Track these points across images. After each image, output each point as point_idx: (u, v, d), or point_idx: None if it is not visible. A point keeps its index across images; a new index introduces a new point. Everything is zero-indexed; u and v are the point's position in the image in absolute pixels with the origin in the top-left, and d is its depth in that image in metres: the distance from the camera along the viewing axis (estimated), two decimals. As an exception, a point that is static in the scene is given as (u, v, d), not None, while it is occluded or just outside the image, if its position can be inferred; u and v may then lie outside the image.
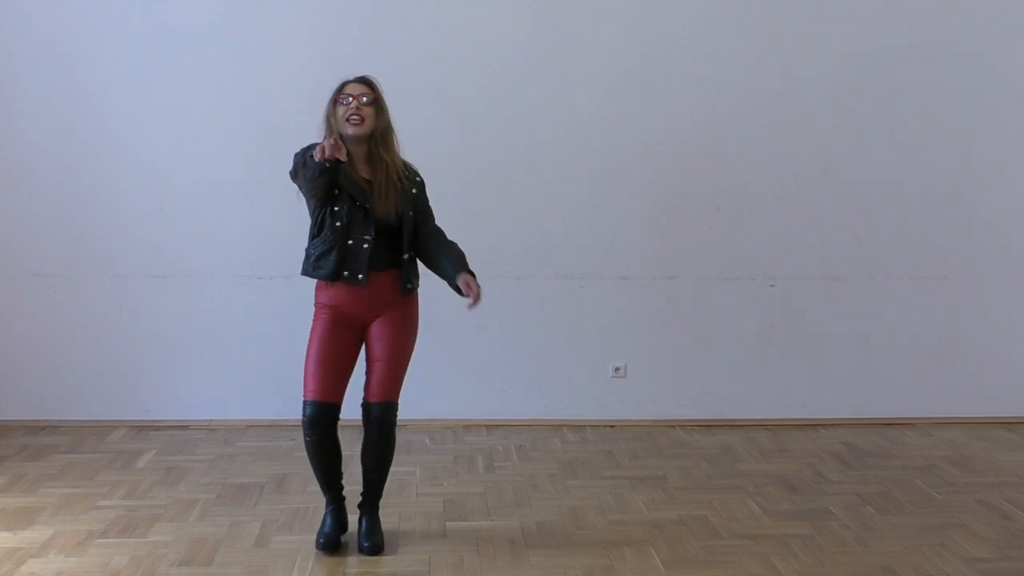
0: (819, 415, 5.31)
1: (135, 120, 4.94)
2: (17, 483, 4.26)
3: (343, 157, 3.24)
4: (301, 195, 3.51)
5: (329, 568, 3.46)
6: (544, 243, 5.14)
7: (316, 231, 3.48)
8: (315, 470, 3.61)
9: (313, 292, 3.57)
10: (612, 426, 5.21)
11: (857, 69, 5.14)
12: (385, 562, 3.51)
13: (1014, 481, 4.43)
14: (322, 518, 3.66)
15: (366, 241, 3.44)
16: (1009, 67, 5.22)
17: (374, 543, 3.57)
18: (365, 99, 3.45)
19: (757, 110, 5.13)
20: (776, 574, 3.45)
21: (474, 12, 4.98)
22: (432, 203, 3.68)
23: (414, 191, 3.58)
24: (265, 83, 4.94)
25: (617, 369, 5.25)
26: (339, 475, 3.64)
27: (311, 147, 3.35)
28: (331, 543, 3.59)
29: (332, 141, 3.21)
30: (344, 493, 3.67)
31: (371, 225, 3.44)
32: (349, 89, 3.47)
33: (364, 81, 3.51)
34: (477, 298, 3.42)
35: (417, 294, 3.64)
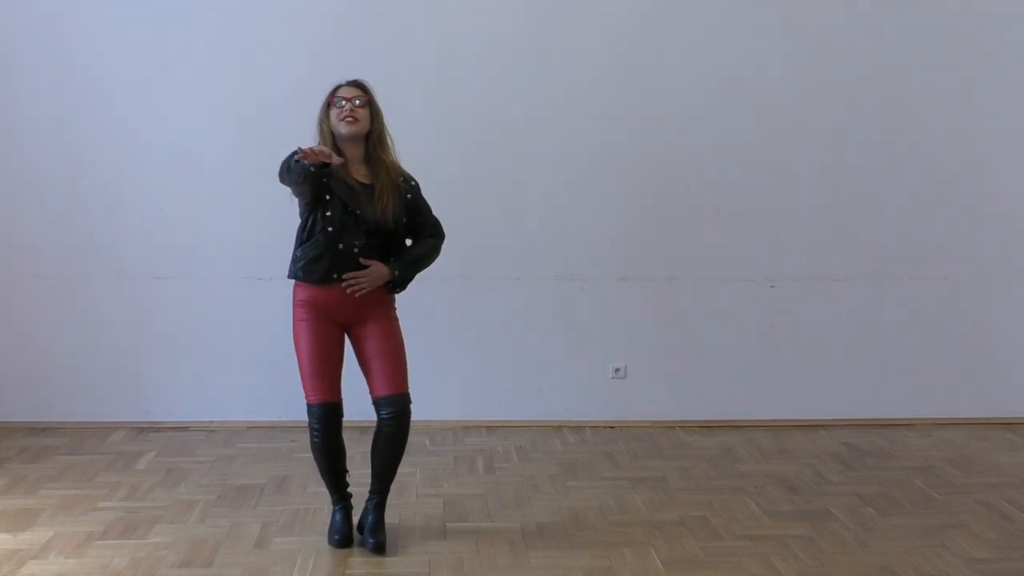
0: (819, 416, 5.30)
1: (136, 121, 4.95)
2: (17, 484, 4.26)
3: (331, 161, 3.25)
4: (293, 197, 3.52)
5: (329, 569, 3.46)
6: (544, 244, 5.13)
7: (306, 235, 3.48)
8: (323, 470, 3.63)
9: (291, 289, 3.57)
10: (612, 427, 5.21)
11: (858, 69, 5.14)
12: (385, 563, 3.51)
13: (1014, 482, 4.43)
14: (331, 517, 3.69)
15: (356, 246, 3.45)
16: (1009, 67, 5.22)
17: (378, 540, 3.58)
18: (358, 101, 3.47)
19: (757, 110, 5.13)
20: (776, 575, 3.44)
21: (472, 12, 4.98)
22: (431, 204, 3.69)
23: (409, 195, 3.59)
24: (265, 85, 4.94)
25: (617, 370, 5.25)
26: (345, 472, 3.67)
27: (297, 151, 3.35)
28: (346, 539, 3.62)
29: (318, 147, 3.23)
30: (350, 491, 3.69)
31: (362, 231, 3.46)
32: (342, 92, 3.49)
33: (357, 84, 3.53)
34: (352, 282, 3.43)
35: (394, 296, 3.65)
